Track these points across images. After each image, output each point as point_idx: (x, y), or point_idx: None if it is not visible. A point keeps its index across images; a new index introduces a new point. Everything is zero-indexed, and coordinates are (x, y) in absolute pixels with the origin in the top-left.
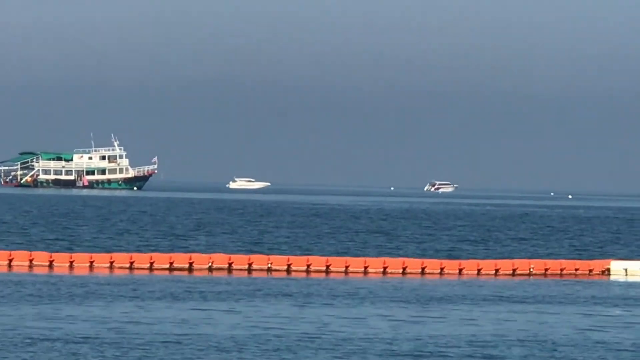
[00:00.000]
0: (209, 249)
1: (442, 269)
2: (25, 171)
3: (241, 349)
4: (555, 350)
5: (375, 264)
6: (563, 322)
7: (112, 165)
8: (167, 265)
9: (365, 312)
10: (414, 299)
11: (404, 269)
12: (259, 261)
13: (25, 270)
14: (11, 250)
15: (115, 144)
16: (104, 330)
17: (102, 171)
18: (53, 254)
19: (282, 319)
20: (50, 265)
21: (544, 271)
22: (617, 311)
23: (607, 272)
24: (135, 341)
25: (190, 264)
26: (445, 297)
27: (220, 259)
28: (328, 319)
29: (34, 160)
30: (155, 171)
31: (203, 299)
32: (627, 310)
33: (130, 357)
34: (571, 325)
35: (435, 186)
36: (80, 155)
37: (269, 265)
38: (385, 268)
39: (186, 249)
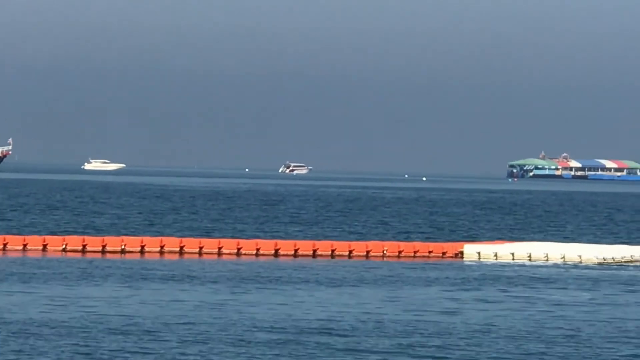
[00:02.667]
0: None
1: (296, 250)
2: None
3: None
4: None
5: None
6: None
7: None
8: None
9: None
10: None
11: (238, 249)
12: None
13: None
14: None
15: None
16: None
17: None
18: None
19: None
20: None
21: (397, 253)
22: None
23: (460, 254)
24: None
25: None
26: (281, 279)
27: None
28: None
29: None
30: (10, 152)
31: None
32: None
33: None
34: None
35: (290, 168)
36: None
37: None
38: (220, 248)
39: None
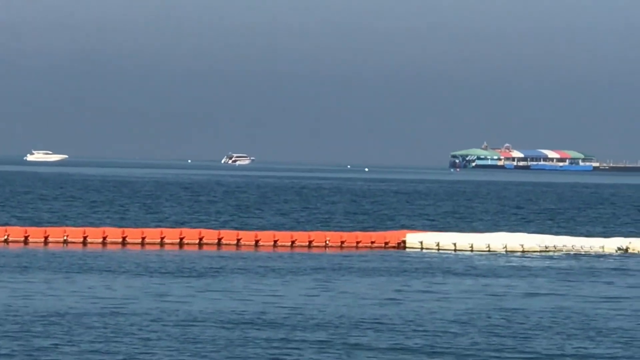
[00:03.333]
0: None
1: (238, 240)
2: None
3: None
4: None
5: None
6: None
7: None
8: None
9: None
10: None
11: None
12: None
13: None
14: None
15: None
16: None
17: None
18: None
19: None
20: None
21: (339, 243)
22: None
23: (402, 244)
24: None
25: None
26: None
27: None
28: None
29: None
30: None
31: None
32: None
33: None
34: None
35: (233, 159)
36: None
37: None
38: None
39: None
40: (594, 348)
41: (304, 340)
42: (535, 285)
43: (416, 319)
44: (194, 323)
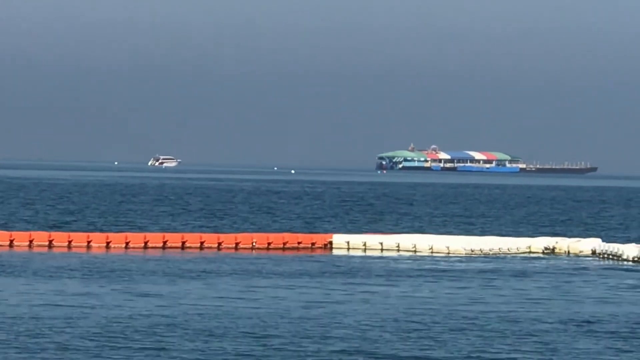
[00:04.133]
0: None
1: (164, 242)
2: None
3: None
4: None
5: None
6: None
7: None
8: None
9: None
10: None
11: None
12: None
13: None
14: None
15: None
16: None
17: None
18: None
19: None
20: None
21: (266, 245)
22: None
23: (329, 245)
24: None
25: None
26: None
27: None
28: None
29: None
30: None
31: None
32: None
33: None
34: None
35: (160, 161)
36: None
37: None
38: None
39: None
40: (509, 352)
41: (221, 349)
42: (453, 286)
43: (332, 321)
44: (112, 325)
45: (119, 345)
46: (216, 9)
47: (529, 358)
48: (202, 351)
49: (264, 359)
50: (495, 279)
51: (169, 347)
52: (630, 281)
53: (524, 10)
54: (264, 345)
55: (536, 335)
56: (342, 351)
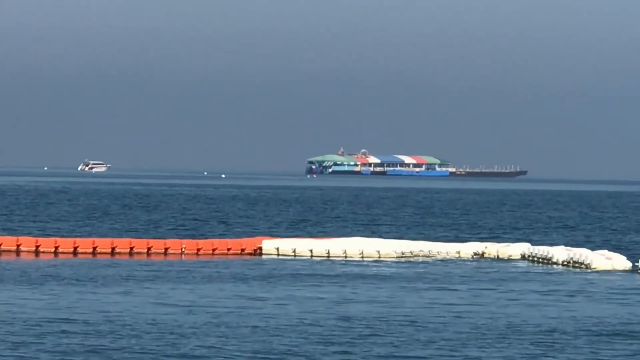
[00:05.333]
0: None
1: (94, 248)
2: None
3: None
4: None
5: None
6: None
7: None
8: None
9: None
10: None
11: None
12: None
13: None
14: None
15: None
16: None
17: None
18: None
19: None
20: None
21: (196, 251)
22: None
23: (259, 250)
24: None
25: None
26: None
27: None
28: None
29: None
30: None
31: None
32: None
33: None
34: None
35: (89, 166)
36: None
37: None
38: None
39: None
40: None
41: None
42: (375, 292)
43: (229, 326)
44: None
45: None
46: (141, 13)
47: None
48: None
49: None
50: (415, 283)
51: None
52: (553, 286)
53: (448, 12)
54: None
55: (446, 340)
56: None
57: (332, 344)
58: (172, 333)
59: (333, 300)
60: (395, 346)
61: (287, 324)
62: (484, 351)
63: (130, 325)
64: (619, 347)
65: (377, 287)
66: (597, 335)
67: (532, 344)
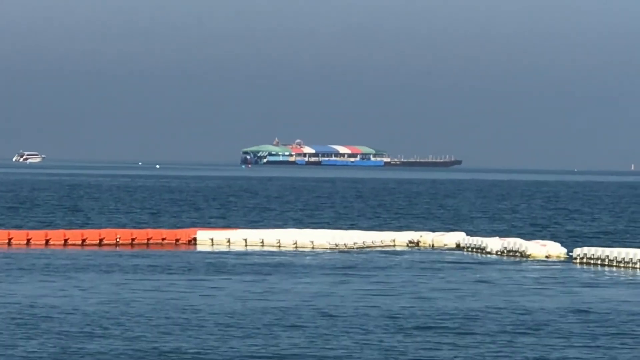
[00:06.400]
0: None
1: (28, 240)
2: None
3: None
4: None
5: None
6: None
7: None
8: None
9: None
10: None
11: None
12: None
13: None
14: None
15: None
16: None
17: None
18: None
19: None
20: None
21: (130, 241)
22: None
23: (193, 241)
24: None
25: None
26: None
27: None
28: None
29: None
30: None
31: None
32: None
33: None
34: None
35: (24, 157)
36: None
37: None
38: None
39: None
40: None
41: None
42: (293, 283)
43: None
44: None
45: None
46: (68, 7)
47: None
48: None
49: None
50: (347, 273)
51: None
52: (481, 275)
53: (381, 6)
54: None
55: (358, 328)
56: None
57: (233, 337)
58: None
59: (250, 291)
60: (297, 338)
61: (178, 316)
62: (399, 342)
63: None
64: (530, 340)
65: (298, 278)
66: (514, 325)
67: (456, 334)
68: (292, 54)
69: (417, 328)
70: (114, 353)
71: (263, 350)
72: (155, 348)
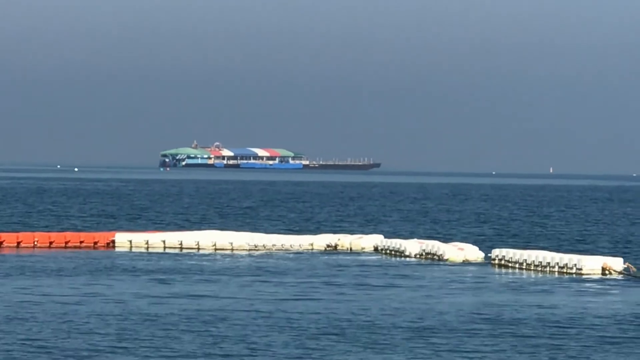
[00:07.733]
0: None
1: None
2: None
3: None
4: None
5: None
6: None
7: None
8: None
9: None
10: None
11: None
12: None
13: None
14: None
15: None
16: None
17: None
18: None
19: None
20: None
21: (48, 244)
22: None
23: (112, 244)
24: None
25: None
26: None
27: None
28: None
29: None
30: None
31: None
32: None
33: None
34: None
35: None
36: None
37: None
38: None
39: None
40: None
41: None
42: (200, 286)
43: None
44: None
45: None
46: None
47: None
48: None
49: None
50: (249, 277)
51: None
52: (398, 279)
53: (304, 3)
54: None
55: (241, 334)
56: None
57: (124, 340)
58: None
59: (156, 295)
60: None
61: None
62: (287, 348)
63: None
64: (437, 341)
65: (206, 281)
66: (418, 330)
67: (365, 341)
68: (210, 57)
69: (317, 334)
70: None
71: None
72: None
